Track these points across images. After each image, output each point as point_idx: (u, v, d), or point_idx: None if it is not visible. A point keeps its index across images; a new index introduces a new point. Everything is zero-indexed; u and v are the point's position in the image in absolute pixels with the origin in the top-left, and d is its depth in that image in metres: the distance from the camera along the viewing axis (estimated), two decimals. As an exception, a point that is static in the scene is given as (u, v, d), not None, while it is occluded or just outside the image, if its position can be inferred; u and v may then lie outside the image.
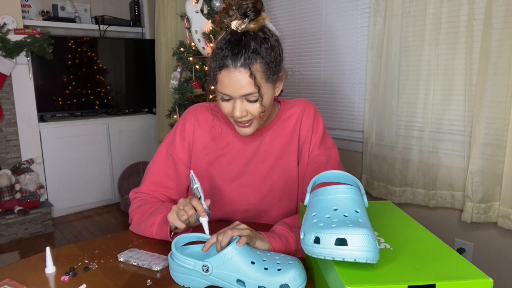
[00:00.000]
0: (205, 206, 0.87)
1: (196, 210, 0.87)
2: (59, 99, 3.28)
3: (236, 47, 0.89)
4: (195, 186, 0.89)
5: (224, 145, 1.08)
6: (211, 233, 0.83)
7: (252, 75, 0.89)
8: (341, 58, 2.39)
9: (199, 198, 0.89)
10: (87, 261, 0.89)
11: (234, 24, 0.90)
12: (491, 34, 1.64)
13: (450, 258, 0.65)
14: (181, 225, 0.88)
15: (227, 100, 0.94)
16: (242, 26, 0.89)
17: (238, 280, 0.73)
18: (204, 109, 1.11)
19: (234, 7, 0.89)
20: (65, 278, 0.81)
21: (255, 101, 0.92)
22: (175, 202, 1.04)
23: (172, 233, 0.95)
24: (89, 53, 3.38)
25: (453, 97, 1.86)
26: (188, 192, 1.13)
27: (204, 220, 0.86)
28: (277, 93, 1.00)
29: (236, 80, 0.89)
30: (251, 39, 0.89)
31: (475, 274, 0.60)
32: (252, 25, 0.90)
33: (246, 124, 0.97)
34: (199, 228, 0.93)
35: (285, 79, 1.01)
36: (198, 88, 2.44)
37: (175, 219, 0.88)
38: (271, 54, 0.91)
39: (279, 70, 0.96)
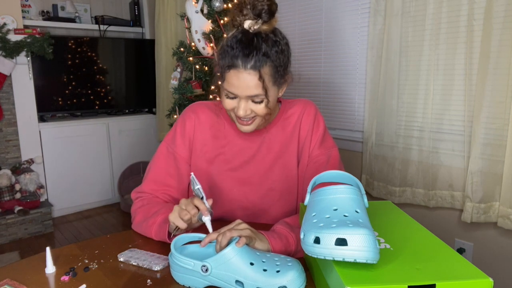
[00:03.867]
0: (207, 205, 0.88)
1: (198, 210, 0.87)
2: (59, 99, 3.28)
3: (247, 48, 0.89)
4: (196, 187, 0.89)
5: (224, 143, 1.08)
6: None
7: (261, 78, 0.89)
8: (341, 58, 2.39)
9: (201, 198, 0.89)
10: (87, 261, 0.89)
11: (247, 24, 0.90)
12: (491, 34, 1.64)
13: (450, 258, 0.65)
14: (183, 225, 0.87)
15: (232, 98, 0.95)
16: (255, 27, 0.90)
17: (237, 281, 0.72)
18: (203, 107, 1.11)
19: (248, 6, 0.89)
20: (65, 278, 0.81)
21: (261, 102, 0.93)
22: (177, 201, 1.03)
23: (172, 235, 0.95)
24: (89, 53, 3.38)
25: (453, 97, 1.86)
26: (189, 191, 1.13)
27: (207, 219, 0.86)
28: (280, 94, 1.01)
29: (244, 81, 0.90)
30: (263, 41, 0.90)
31: (475, 274, 0.60)
32: (264, 27, 0.90)
33: (248, 122, 0.98)
34: (199, 229, 0.93)
35: (291, 83, 1.01)
36: (198, 88, 2.44)
37: (177, 218, 0.88)
38: (280, 57, 0.92)
39: (286, 73, 0.97)
